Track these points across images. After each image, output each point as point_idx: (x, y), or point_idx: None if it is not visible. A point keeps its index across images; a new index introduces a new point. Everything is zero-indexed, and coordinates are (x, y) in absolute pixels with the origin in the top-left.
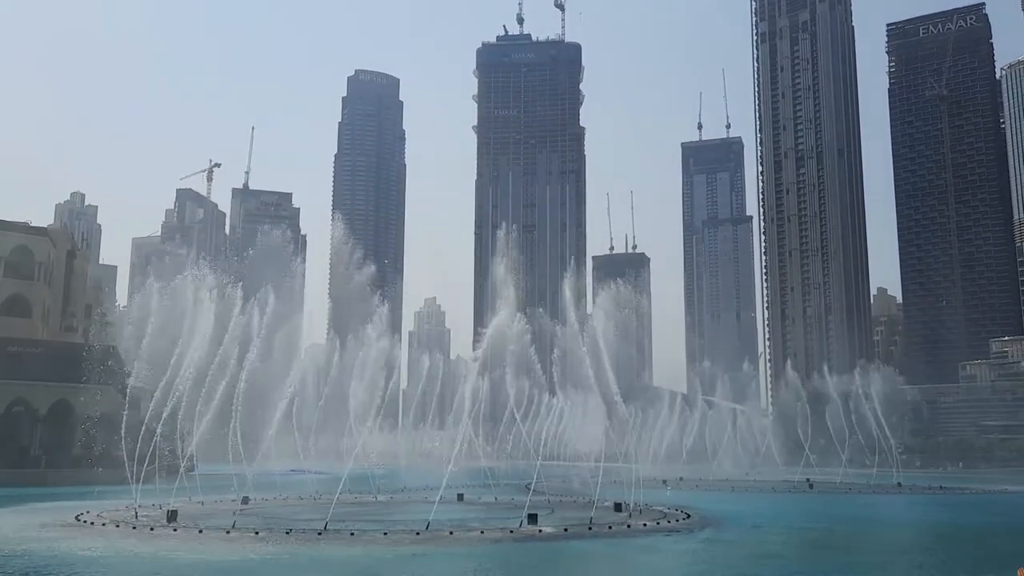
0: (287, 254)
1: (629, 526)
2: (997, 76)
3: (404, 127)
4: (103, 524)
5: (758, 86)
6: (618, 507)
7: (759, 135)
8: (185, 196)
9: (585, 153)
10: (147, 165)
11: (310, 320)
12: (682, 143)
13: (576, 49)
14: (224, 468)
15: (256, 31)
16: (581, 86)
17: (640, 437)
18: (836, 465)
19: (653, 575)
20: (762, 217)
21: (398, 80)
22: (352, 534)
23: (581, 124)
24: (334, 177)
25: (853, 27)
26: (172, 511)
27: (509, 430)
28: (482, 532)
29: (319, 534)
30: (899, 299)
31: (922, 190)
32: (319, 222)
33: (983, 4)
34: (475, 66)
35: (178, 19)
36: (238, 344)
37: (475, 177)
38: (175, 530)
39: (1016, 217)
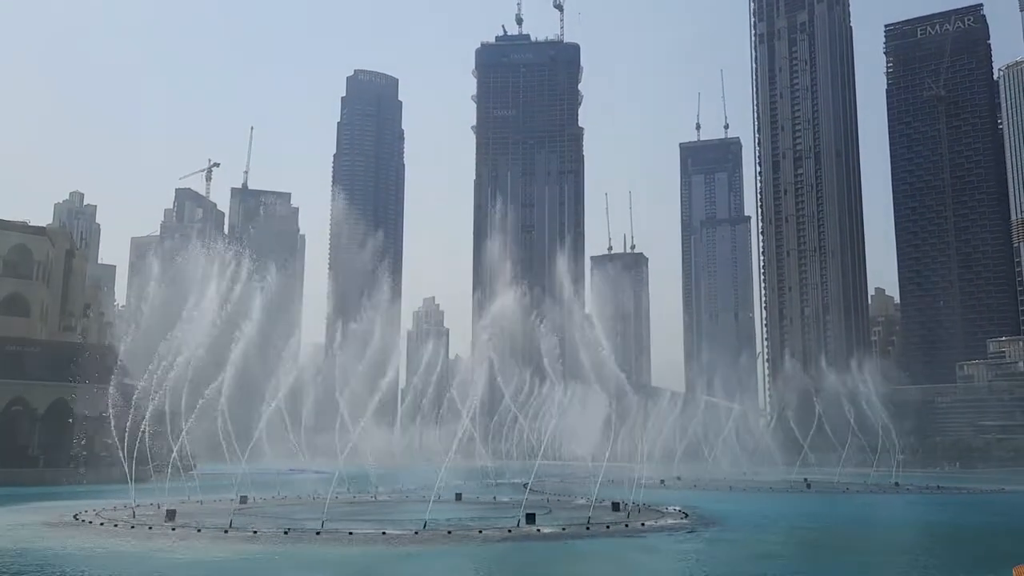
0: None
1: (627, 525)
2: (995, 77)
3: (403, 127)
4: (101, 523)
5: (756, 86)
6: (616, 506)
7: (757, 135)
8: (184, 196)
9: (584, 153)
10: (146, 165)
11: (311, 305)
12: (680, 143)
13: (575, 49)
14: (223, 467)
15: (255, 31)
16: (580, 86)
17: (638, 436)
18: (834, 464)
19: (651, 575)
20: (760, 217)
21: (397, 80)
22: (350, 533)
23: (580, 124)
24: (333, 177)
25: (851, 28)
26: (170, 510)
27: (508, 429)
28: (480, 532)
29: (317, 534)
30: (897, 299)
31: (920, 190)
32: (318, 222)
33: (981, 5)
34: (474, 66)
35: (177, 19)
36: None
37: (474, 177)
38: (173, 529)
39: (1013, 217)
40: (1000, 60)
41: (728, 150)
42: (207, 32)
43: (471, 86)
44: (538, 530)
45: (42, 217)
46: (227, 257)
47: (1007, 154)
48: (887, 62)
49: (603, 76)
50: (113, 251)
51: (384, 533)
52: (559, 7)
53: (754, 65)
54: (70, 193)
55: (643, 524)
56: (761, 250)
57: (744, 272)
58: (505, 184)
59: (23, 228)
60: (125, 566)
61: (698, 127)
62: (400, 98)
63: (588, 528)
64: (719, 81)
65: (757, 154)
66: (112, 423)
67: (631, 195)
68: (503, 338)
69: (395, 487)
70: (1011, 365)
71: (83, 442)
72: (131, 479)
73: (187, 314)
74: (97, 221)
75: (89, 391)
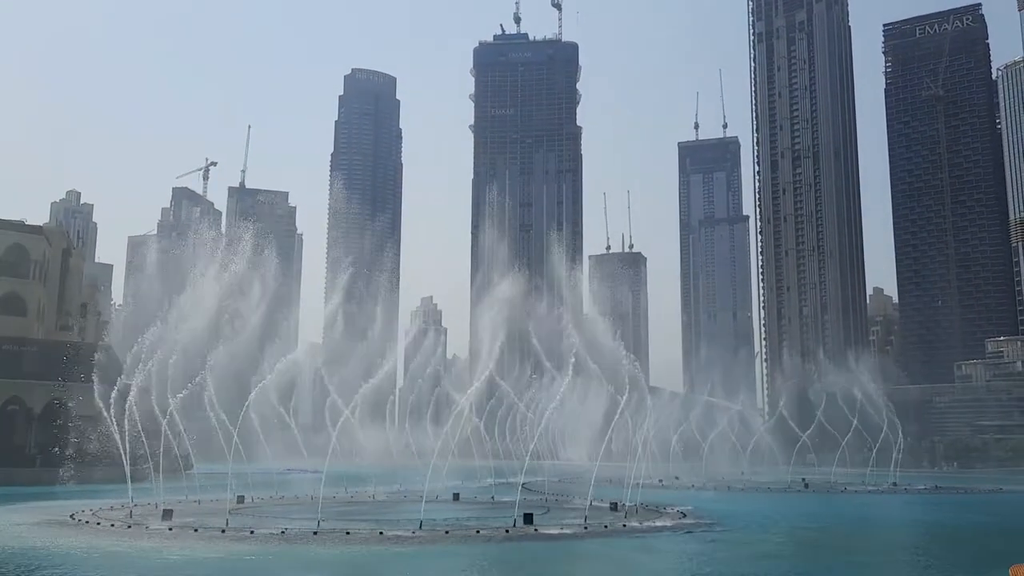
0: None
1: (625, 525)
2: (993, 77)
3: (401, 126)
4: (98, 523)
5: (755, 86)
6: (614, 506)
7: (756, 135)
8: (181, 195)
9: (582, 152)
10: (143, 164)
11: (309, 304)
12: (679, 143)
13: (573, 48)
14: (221, 467)
15: (253, 30)
16: (578, 85)
17: (636, 436)
18: (832, 464)
19: (648, 574)
20: (758, 217)
21: (395, 79)
22: (347, 533)
23: (578, 123)
24: (330, 176)
25: (850, 27)
26: (167, 510)
27: (506, 428)
28: (478, 531)
29: (314, 533)
30: (895, 299)
31: (918, 190)
32: (315, 221)
33: (979, 5)
34: (472, 65)
35: (174, 17)
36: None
37: (471, 176)
38: (170, 529)
39: (1012, 217)
40: (999, 60)
41: (726, 149)
42: (204, 31)
43: (469, 85)
44: (536, 530)
45: (39, 216)
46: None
47: (1005, 154)
48: (886, 62)
49: (601, 75)
50: (110, 250)
51: (381, 533)
52: (557, 6)
53: (752, 64)
54: (67, 192)
55: (641, 524)
56: (759, 250)
57: (742, 271)
58: (503, 183)
59: (20, 227)
60: (121, 566)
61: (696, 126)
62: (398, 97)
63: (586, 528)
64: (717, 80)
65: (755, 153)
66: (106, 422)
67: (629, 194)
68: (502, 326)
69: (393, 487)
70: (1009, 365)
71: (79, 441)
72: (128, 478)
73: (182, 312)
74: (94, 220)
75: (84, 390)
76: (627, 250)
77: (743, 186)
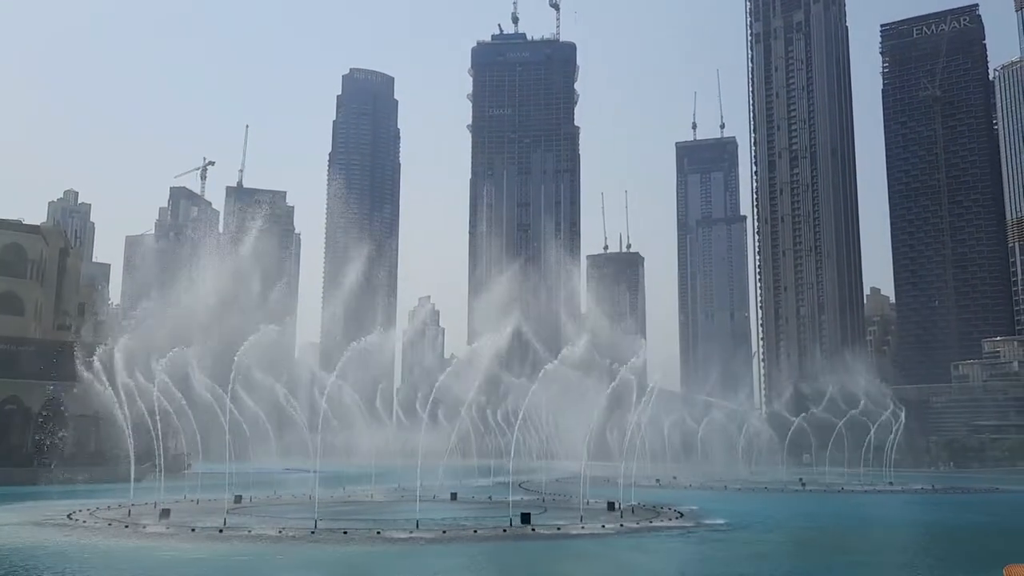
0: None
1: (622, 525)
2: (990, 77)
3: (399, 126)
4: (95, 523)
5: (752, 86)
6: (611, 506)
7: (753, 135)
8: (179, 194)
9: (579, 152)
10: (141, 163)
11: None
12: (676, 142)
13: (571, 48)
14: (219, 466)
15: (250, 29)
16: (576, 85)
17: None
18: (829, 464)
19: (645, 574)
20: (756, 217)
21: (393, 79)
22: (345, 533)
23: (576, 123)
24: (328, 176)
25: (847, 28)
26: (165, 509)
27: (505, 427)
28: (475, 531)
29: (311, 533)
30: (892, 299)
31: (915, 190)
32: (313, 220)
33: (976, 5)
34: (470, 65)
35: (172, 17)
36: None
37: (469, 176)
38: (168, 528)
39: (1008, 217)
40: (996, 60)
41: (724, 149)
42: (202, 30)
43: (467, 85)
44: (533, 529)
45: (36, 215)
46: (222, 256)
47: (1002, 154)
48: (883, 62)
49: (599, 75)
50: (107, 250)
51: (379, 533)
52: (555, 6)
53: (750, 64)
54: (64, 191)
55: (638, 524)
56: (757, 250)
57: (740, 272)
58: (501, 183)
59: (17, 226)
60: (118, 566)
61: (694, 126)
62: (396, 97)
63: (583, 527)
64: (715, 80)
65: (753, 153)
66: (104, 422)
67: (627, 194)
68: (499, 325)
69: (391, 486)
70: (1006, 365)
71: (77, 441)
72: (132, 477)
73: (181, 312)
74: (91, 219)
75: (82, 390)
76: (625, 250)
77: (740, 186)
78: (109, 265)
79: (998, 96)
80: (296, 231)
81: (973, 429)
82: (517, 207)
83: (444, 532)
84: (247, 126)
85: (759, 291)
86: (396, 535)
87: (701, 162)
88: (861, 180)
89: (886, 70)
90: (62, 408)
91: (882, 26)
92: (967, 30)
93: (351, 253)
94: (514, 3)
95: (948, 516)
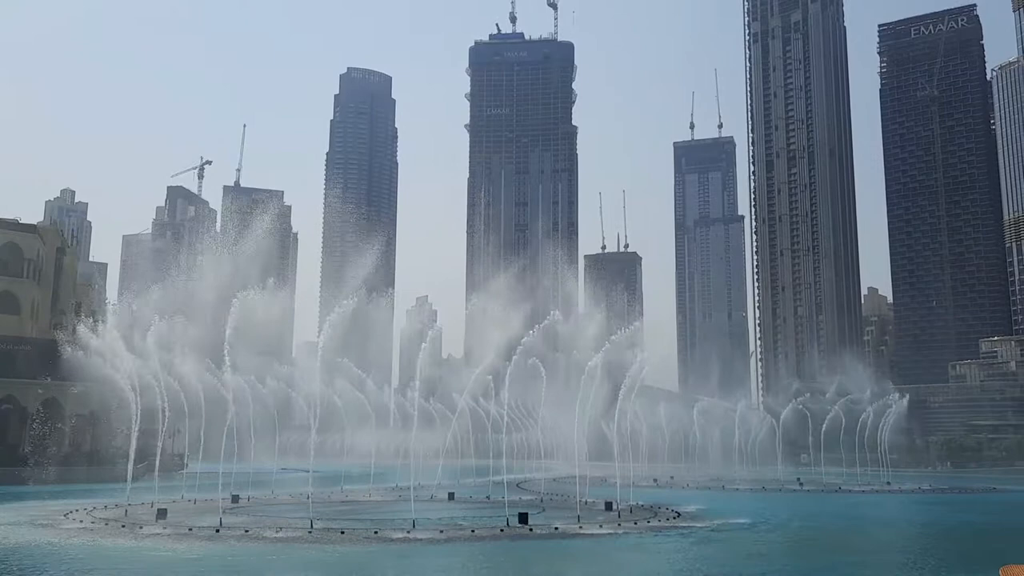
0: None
1: (619, 525)
2: (988, 77)
3: (396, 125)
4: (92, 522)
5: (750, 86)
6: (609, 506)
7: (751, 135)
8: (176, 194)
9: (577, 152)
10: (138, 162)
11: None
12: (674, 142)
13: (569, 48)
14: (216, 466)
15: (248, 29)
16: (574, 85)
17: (631, 435)
18: (826, 464)
19: (642, 573)
20: (754, 217)
21: (390, 78)
22: (342, 532)
23: (573, 123)
24: (326, 175)
25: (845, 28)
26: (161, 509)
27: (502, 428)
28: (473, 531)
29: (309, 532)
30: (890, 299)
31: (913, 190)
32: (311, 220)
33: (974, 6)
34: (468, 64)
35: (170, 16)
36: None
37: (467, 176)
38: (164, 528)
39: (1006, 217)
40: (993, 60)
41: (722, 149)
42: (200, 30)
43: (465, 84)
44: (530, 529)
45: (33, 214)
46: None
47: (1000, 154)
48: (881, 62)
49: (597, 75)
50: (104, 249)
51: (376, 533)
52: (553, 6)
53: (748, 64)
54: (61, 190)
55: (635, 523)
56: (755, 249)
57: (737, 271)
58: (499, 182)
59: (13, 225)
60: (115, 565)
61: (692, 126)
62: (393, 96)
63: (580, 527)
64: (713, 80)
65: (751, 153)
66: (101, 422)
67: (625, 194)
68: (497, 325)
69: (388, 486)
70: (1003, 365)
71: (74, 440)
72: (129, 477)
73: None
74: (88, 219)
75: (79, 389)
76: (622, 250)
77: (738, 186)
78: (106, 264)
79: (996, 96)
80: (294, 230)
81: (970, 429)
82: (515, 206)
83: (441, 532)
84: (244, 125)
85: (757, 291)
86: (393, 535)
87: (699, 162)
88: (859, 180)
89: (884, 70)
90: (59, 407)
91: (880, 26)
92: (965, 30)
93: (348, 252)
94: (512, 3)
95: (945, 516)
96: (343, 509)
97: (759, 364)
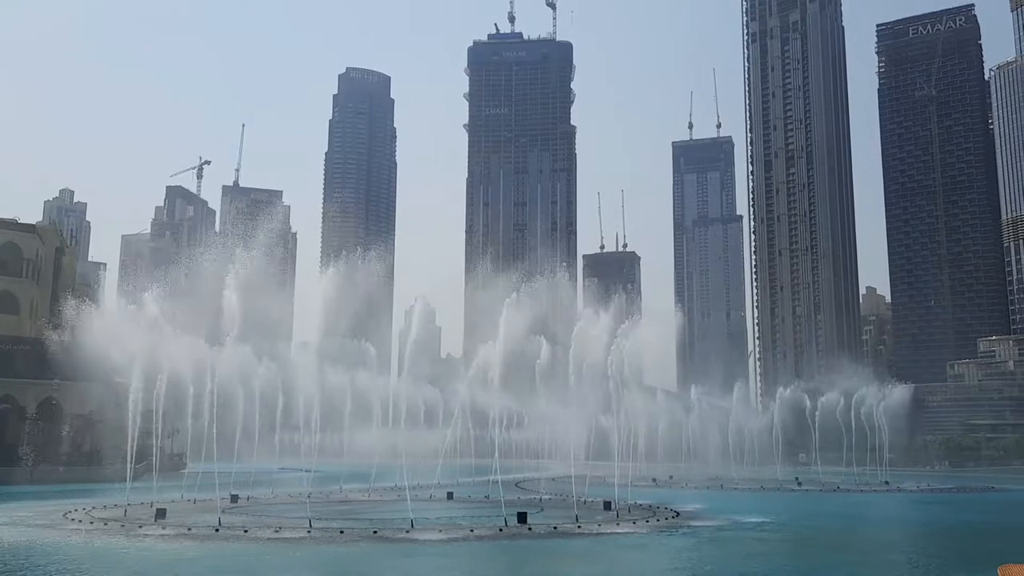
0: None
1: (618, 524)
2: (986, 77)
3: (395, 125)
4: (91, 522)
5: (749, 86)
6: (607, 505)
7: (749, 134)
8: (175, 193)
9: (576, 152)
10: (137, 162)
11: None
12: (673, 142)
13: (567, 48)
14: (216, 466)
15: (247, 29)
16: (572, 85)
17: (631, 435)
18: (825, 463)
19: (641, 573)
20: (752, 216)
21: (389, 78)
22: (341, 532)
23: (572, 123)
24: (325, 175)
25: (843, 27)
26: (160, 509)
27: (501, 427)
28: (471, 530)
29: (307, 532)
30: (888, 298)
31: (911, 190)
32: (310, 220)
33: (972, 5)
34: (466, 64)
35: (169, 16)
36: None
37: (466, 175)
38: (164, 528)
39: (1004, 217)
40: (991, 60)
41: (720, 149)
42: (199, 30)
43: (463, 84)
44: (529, 529)
45: (32, 214)
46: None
47: (998, 154)
48: (879, 62)
49: (596, 75)
50: (103, 249)
51: (375, 532)
52: (552, 5)
53: (746, 64)
54: (60, 190)
55: (634, 523)
56: (753, 249)
57: (736, 271)
58: (497, 182)
59: (12, 225)
60: (114, 565)
61: (690, 126)
62: (392, 96)
63: (579, 526)
64: (712, 80)
65: (749, 153)
66: (100, 422)
67: (623, 194)
68: (495, 325)
69: (387, 485)
70: (1001, 364)
71: (72, 440)
72: (129, 476)
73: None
74: (87, 219)
75: (77, 389)
76: (621, 249)
77: (737, 186)
78: (105, 264)
79: (994, 96)
80: (292, 230)
81: (969, 428)
82: (514, 206)
83: (440, 531)
84: (243, 125)
85: (755, 291)
86: (392, 534)
87: (697, 162)
88: (857, 180)
89: (882, 70)
90: (58, 407)
91: (878, 26)
92: (963, 30)
93: (347, 252)
94: (511, 2)
95: (944, 515)
96: (342, 509)
97: (757, 364)
